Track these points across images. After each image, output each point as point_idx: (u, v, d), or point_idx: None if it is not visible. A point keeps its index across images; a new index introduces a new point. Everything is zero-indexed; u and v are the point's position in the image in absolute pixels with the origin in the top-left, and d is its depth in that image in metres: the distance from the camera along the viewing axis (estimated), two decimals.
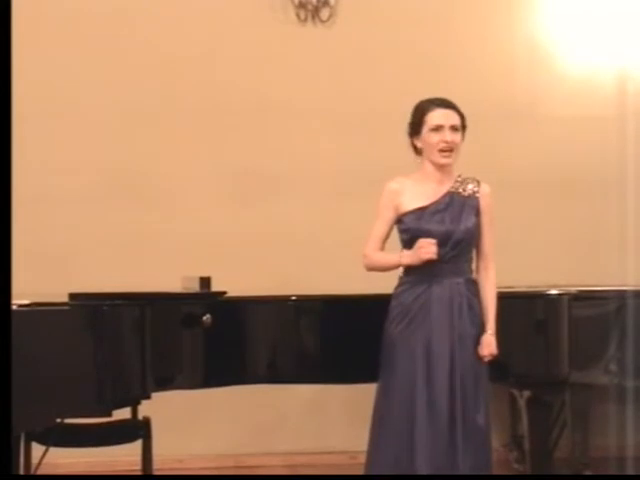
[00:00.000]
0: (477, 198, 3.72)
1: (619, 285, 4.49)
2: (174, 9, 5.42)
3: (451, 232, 3.62)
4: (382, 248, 3.73)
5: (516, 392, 4.35)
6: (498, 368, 4.13)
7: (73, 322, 3.71)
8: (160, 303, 3.93)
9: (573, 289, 4.26)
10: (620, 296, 4.26)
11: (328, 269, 5.10)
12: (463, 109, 5.69)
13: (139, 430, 4.27)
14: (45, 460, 4.10)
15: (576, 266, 5.33)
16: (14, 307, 3.42)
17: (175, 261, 5.08)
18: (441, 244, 3.59)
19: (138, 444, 4.28)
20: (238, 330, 4.02)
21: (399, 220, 3.70)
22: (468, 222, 3.67)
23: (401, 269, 3.74)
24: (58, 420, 3.83)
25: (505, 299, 4.23)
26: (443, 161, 3.69)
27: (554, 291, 4.25)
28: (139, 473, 4.35)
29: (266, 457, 5.35)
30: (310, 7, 5.50)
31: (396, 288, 3.72)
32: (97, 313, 3.71)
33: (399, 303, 3.67)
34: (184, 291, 4.33)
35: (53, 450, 4.13)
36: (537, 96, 5.70)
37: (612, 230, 5.40)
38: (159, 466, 4.41)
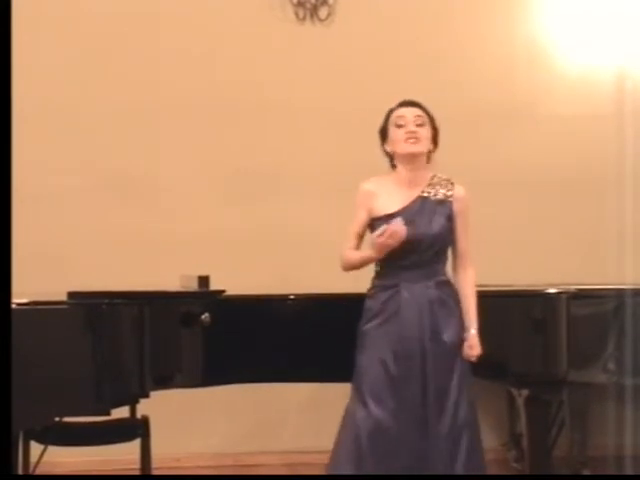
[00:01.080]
0: (450, 202, 3.69)
1: (617, 284, 4.49)
2: (173, 9, 5.42)
3: (421, 238, 3.60)
4: (359, 246, 3.74)
5: (514, 391, 4.34)
6: (496, 367, 4.15)
7: (72, 321, 3.71)
8: (159, 302, 3.94)
9: (572, 288, 4.25)
10: (618, 295, 4.25)
11: (327, 268, 5.09)
12: (462, 108, 5.73)
13: (137, 429, 4.28)
14: (44, 459, 4.12)
15: (574, 264, 5.33)
16: (13, 306, 3.42)
17: (173, 260, 5.08)
18: (411, 250, 3.59)
19: (136, 443, 4.30)
20: (237, 329, 4.02)
21: (371, 224, 3.71)
22: (438, 227, 3.65)
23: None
24: (57, 419, 3.84)
25: (503, 298, 4.25)
26: (409, 149, 3.67)
27: (552, 290, 4.24)
28: (137, 472, 4.36)
29: (265, 456, 5.36)
30: (309, 6, 5.50)
31: (368, 290, 3.73)
32: (96, 312, 3.72)
33: (370, 305, 3.68)
34: (183, 290, 4.34)
35: (52, 449, 4.15)
36: (536, 95, 5.70)
37: (611, 228, 5.40)
38: (157, 464, 4.40)
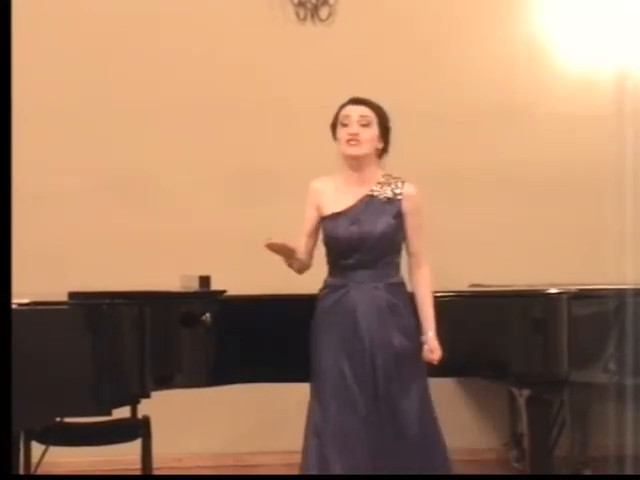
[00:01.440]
0: (399, 200, 3.61)
1: (618, 284, 4.49)
2: (173, 9, 5.42)
3: (365, 236, 3.56)
4: (309, 245, 3.70)
5: (515, 391, 4.33)
6: (497, 367, 4.14)
7: (72, 321, 3.71)
8: (159, 302, 3.92)
9: (572, 288, 4.25)
10: (619, 295, 4.25)
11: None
12: (462, 108, 5.73)
13: (138, 429, 4.28)
14: (45, 459, 4.11)
15: (574, 264, 5.34)
16: (13, 306, 3.41)
17: (173, 260, 5.08)
18: (356, 249, 3.56)
19: (138, 443, 4.29)
20: (237, 329, 4.02)
21: (321, 223, 3.68)
22: (383, 226, 3.57)
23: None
24: (57, 419, 3.83)
25: (504, 298, 4.25)
26: (348, 151, 3.61)
27: (553, 290, 4.23)
28: (138, 472, 4.35)
29: (265, 456, 5.36)
30: (309, 6, 5.50)
31: (320, 290, 3.70)
32: (96, 312, 3.71)
33: (320, 307, 3.65)
34: (183, 290, 4.34)
35: (53, 449, 4.14)
36: (537, 94, 5.71)
37: (611, 228, 5.40)
38: (158, 464, 4.41)
